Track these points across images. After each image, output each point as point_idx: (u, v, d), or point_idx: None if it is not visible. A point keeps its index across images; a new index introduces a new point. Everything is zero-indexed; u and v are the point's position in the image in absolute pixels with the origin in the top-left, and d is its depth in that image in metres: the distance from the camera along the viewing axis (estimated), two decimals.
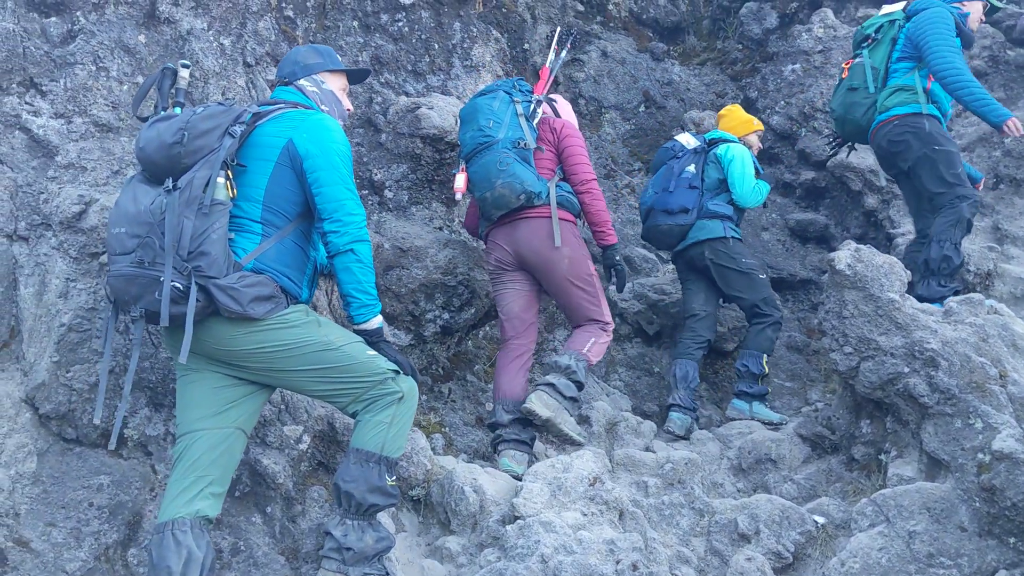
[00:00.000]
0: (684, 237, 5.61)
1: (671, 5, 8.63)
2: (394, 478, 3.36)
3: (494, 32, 6.24)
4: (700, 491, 4.13)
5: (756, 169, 5.72)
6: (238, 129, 3.21)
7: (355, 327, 3.40)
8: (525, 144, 4.56)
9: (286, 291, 3.29)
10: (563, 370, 4.49)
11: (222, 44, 4.54)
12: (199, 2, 4.50)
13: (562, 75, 8.05)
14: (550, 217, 4.55)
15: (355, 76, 3.95)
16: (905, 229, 6.19)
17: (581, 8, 8.51)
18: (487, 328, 5.71)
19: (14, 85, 4.00)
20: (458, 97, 5.60)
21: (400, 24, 5.73)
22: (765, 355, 5.30)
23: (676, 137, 6.04)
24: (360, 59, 5.53)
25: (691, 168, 5.65)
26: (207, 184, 3.08)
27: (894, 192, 6.50)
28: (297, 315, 3.29)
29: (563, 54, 5.60)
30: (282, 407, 4.02)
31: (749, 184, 5.55)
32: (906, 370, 3.90)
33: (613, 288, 5.07)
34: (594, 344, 4.58)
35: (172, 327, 3.12)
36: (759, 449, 4.55)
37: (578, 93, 8.04)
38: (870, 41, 5.40)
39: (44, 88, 4.03)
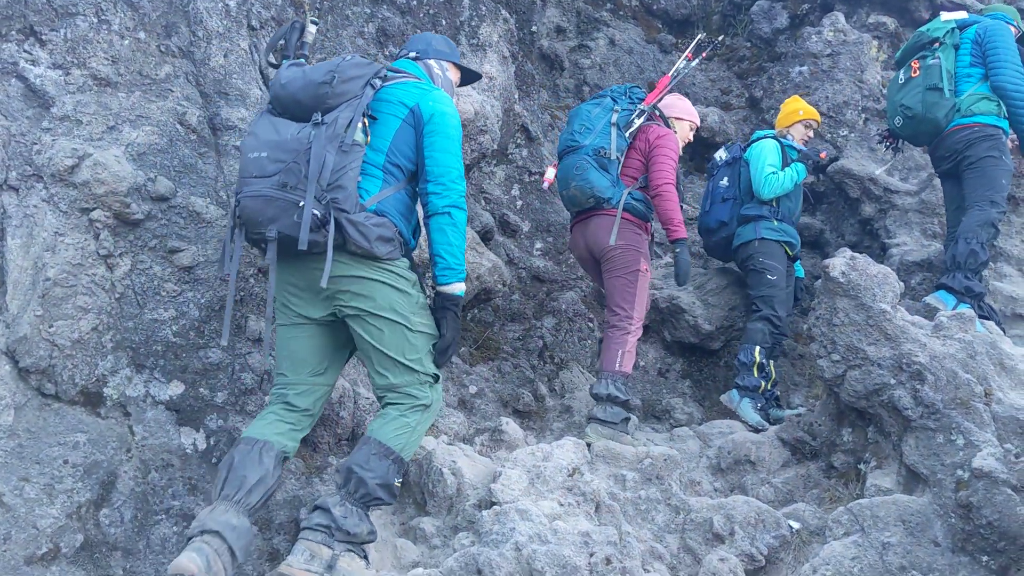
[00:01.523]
0: (730, 247, 5.96)
1: None
2: (400, 480, 3.41)
3: (503, 12, 6.18)
4: (677, 488, 4.12)
5: (794, 154, 5.86)
6: (378, 82, 3.46)
7: (438, 287, 3.53)
8: (606, 153, 5.02)
9: (403, 237, 3.49)
10: (604, 399, 4.76)
11: (227, 5, 4.47)
12: None
13: (568, 60, 8.01)
14: (614, 217, 4.98)
15: (467, 75, 4.18)
16: (900, 240, 6.19)
17: None
18: (475, 310, 5.69)
19: (13, 32, 3.92)
20: None
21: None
22: (757, 347, 5.37)
23: (715, 153, 6.35)
24: (366, 30, 5.46)
25: (724, 182, 6.01)
26: (349, 124, 3.29)
27: (892, 202, 6.50)
28: (407, 278, 3.47)
29: (694, 63, 5.78)
30: (264, 376, 4.00)
31: (760, 177, 5.73)
32: (892, 381, 3.90)
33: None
34: (622, 355, 4.84)
35: (285, 257, 3.30)
36: (739, 450, 4.54)
37: (583, 80, 8.00)
38: (938, 44, 5.55)
39: (44, 37, 3.96)
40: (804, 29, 7.72)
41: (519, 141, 6.73)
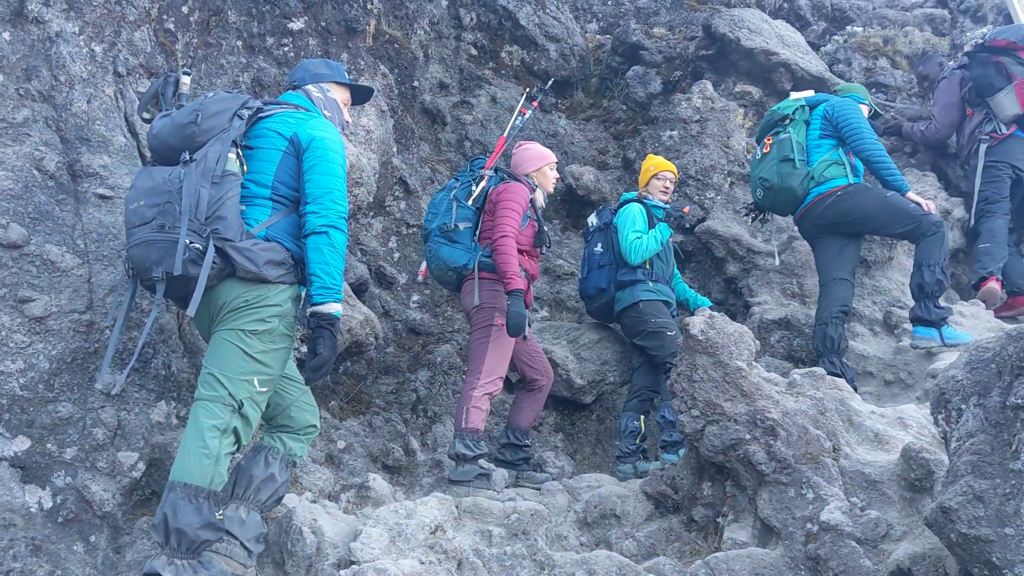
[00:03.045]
0: (612, 311, 6.08)
1: (562, 60, 8.82)
2: (221, 513, 3.31)
3: (382, 67, 6.24)
4: (543, 543, 4.13)
5: (660, 216, 6.03)
6: (246, 112, 3.57)
7: (313, 307, 3.53)
8: (448, 227, 5.25)
9: (296, 259, 3.56)
10: (455, 459, 4.89)
11: (93, 51, 4.38)
12: (72, 5, 4.34)
13: (450, 116, 8.12)
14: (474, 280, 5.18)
15: (358, 93, 4.29)
16: (762, 299, 6.45)
17: (475, 53, 8.62)
18: (347, 363, 5.62)
19: None
20: (339, 127, 5.54)
21: (286, 48, 5.67)
22: None
23: (588, 218, 6.49)
24: (241, 80, 5.42)
25: (598, 248, 6.14)
26: (219, 158, 3.39)
27: (754, 262, 6.78)
28: (286, 319, 3.54)
29: (527, 115, 5.90)
30: (117, 431, 3.84)
31: (626, 244, 5.86)
32: (747, 437, 4.03)
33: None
34: (467, 412, 4.92)
35: (191, 295, 3.33)
36: (605, 504, 4.60)
37: (464, 135, 8.11)
38: (787, 120, 5.92)
39: None
40: (675, 95, 8.04)
41: (397, 193, 6.75)
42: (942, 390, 3.31)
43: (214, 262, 3.31)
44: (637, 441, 5.64)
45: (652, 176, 6.28)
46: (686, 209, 6.15)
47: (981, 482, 2.94)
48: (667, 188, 6.33)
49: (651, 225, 5.98)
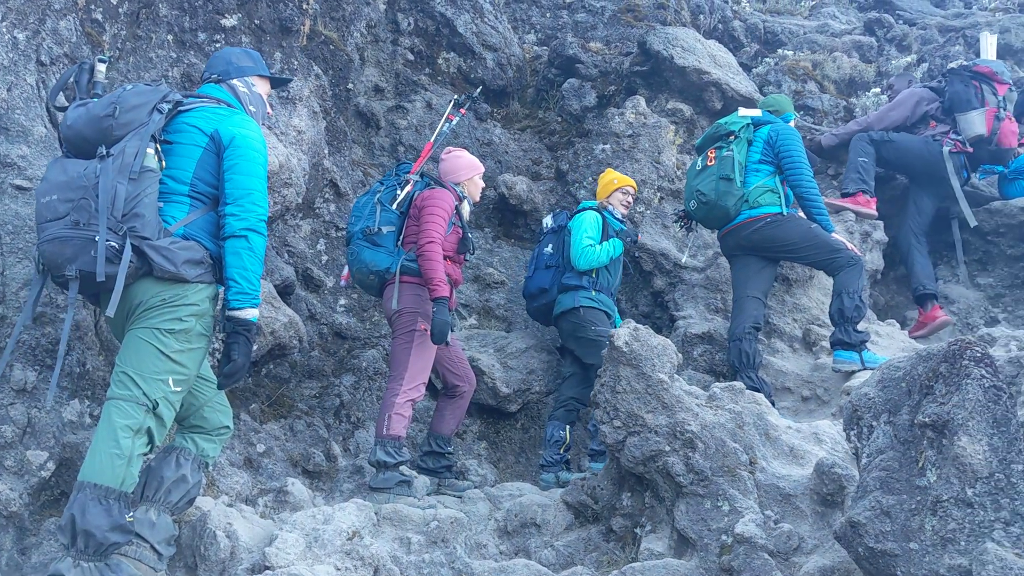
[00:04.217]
0: (551, 313, 6.10)
1: (499, 69, 8.85)
2: (131, 514, 3.24)
3: (316, 68, 6.18)
4: (462, 551, 4.13)
5: (617, 228, 6.12)
6: (165, 106, 3.45)
7: (229, 311, 3.46)
8: (371, 230, 5.19)
9: (214, 259, 3.48)
10: (376, 466, 4.85)
11: (15, 38, 4.25)
12: None
13: (384, 120, 8.07)
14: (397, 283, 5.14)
15: (277, 82, 4.21)
16: (687, 312, 6.54)
17: (411, 58, 8.59)
18: (270, 366, 5.54)
19: None
20: (270, 128, 5.47)
21: (218, 45, 5.57)
22: None
23: (543, 218, 6.56)
24: (170, 75, 5.32)
25: (549, 248, 6.20)
26: (137, 153, 3.29)
27: (680, 277, 6.88)
28: (204, 318, 3.45)
29: (455, 121, 5.87)
30: (27, 429, 3.72)
31: (577, 249, 5.93)
32: (667, 448, 4.08)
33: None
34: (389, 419, 4.88)
35: (104, 291, 3.26)
36: (526, 513, 4.61)
37: (398, 140, 8.07)
38: (732, 137, 6.03)
39: None
40: (609, 109, 8.13)
41: (327, 196, 6.68)
42: (855, 407, 3.40)
43: (131, 261, 3.22)
44: (561, 451, 5.67)
45: (616, 189, 6.38)
46: (639, 236, 6.22)
47: (888, 498, 3.02)
48: (628, 203, 6.48)
49: (604, 236, 6.04)
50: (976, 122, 6.96)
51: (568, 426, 5.77)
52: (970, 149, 6.97)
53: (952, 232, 7.27)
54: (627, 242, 6.14)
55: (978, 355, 3.04)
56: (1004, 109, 7.03)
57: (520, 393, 6.23)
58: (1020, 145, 7.36)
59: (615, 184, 6.39)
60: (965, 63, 7.37)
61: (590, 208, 6.23)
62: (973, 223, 7.05)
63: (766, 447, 4.24)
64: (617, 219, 6.27)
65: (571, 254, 5.97)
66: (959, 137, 6.99)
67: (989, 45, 8.11)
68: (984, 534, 2.82)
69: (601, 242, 6.01)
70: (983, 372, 2.99)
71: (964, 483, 2.87)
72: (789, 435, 4.32)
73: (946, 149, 6.93)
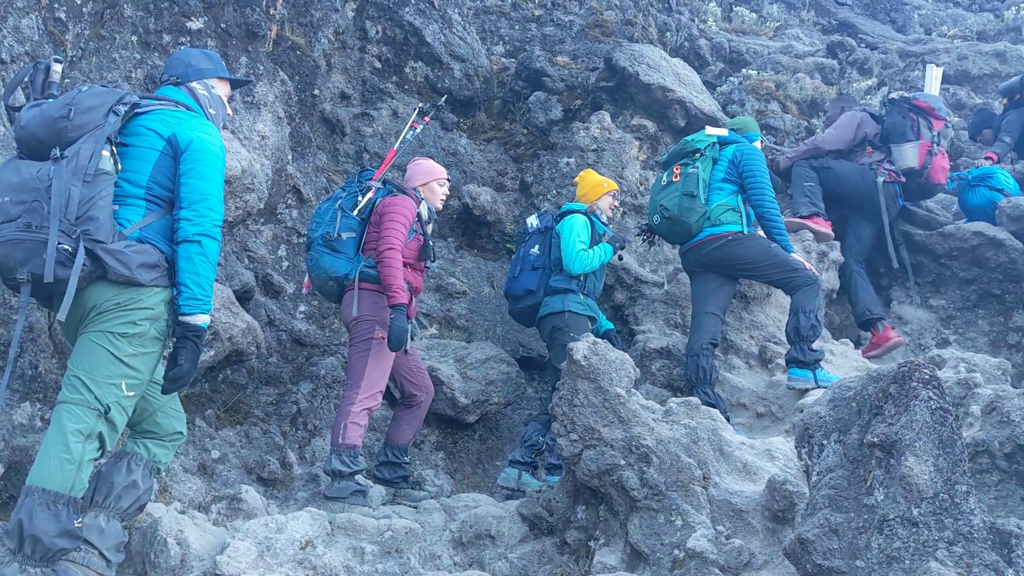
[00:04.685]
0: (535, 315, 6.06)
1: (466, 80, 8.88)
2: (80, 520, 3.20)
3: (282, 73, 6.15)
4: (416, 562, 4.12)
5: (602, 232, 6.12)
6: (122, 108, 3.43)
7: (180, 317, 3.43)
8: (331, 236, 5.18)
9: (170, 262, 3.45)
10: (331, 475, 4.83)
11: None
12: None
13: (350, 127, 8.06)
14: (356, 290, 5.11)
15: (237, 84, 4.21)
16: (646, 327, 6.59)
17: (379, 66, 8.58)
18: (227, 372, 5.49)
19: None
20: (233, 132, 5.44)
21: (183, 47, 5.52)
22: None
23: (527, 219, 6.49)
24: (133, 76, 5.27)
25: (535, 250, 6.13)
26: (92, 155, 3.26)
27: (641, 291, 6.94)
28: (158, 323, 3.42)
29: (419, 130, 5.86)
30: None
31: (571, 253, 5.90)
32: (622, 462, 4.11)
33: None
34: (345, 427, 4.86)
35: (57, 295, 3.23)
36: (481, 524, 4.61)
37: (364, 147, 8.06)
38: (698, 154, 6.10)
39: None
40: (575, 123, 8.19)
41: (290, 201, 6.65)
42: (806, 425, 3.46)
43: (84, 264, 3.20)
44: (533, 455, 5.67)
45: (606, 192, 6.36)
46: (624, 247, 6.25)
47: (837, 515, 3.07)
48: (615, 207, 6.52)
49: (593, 240, 6.05)
50: (909, 155, 7.13)
51: (548, 432, 5.74)
52: (903, 179, 7.14)
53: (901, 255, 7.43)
54: (617, 247, 6.15)
55: (926, 377, 3.11)
56: (937, 144, 7.21)
57: (479, 404, 6.23)
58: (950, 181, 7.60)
59: (604, 188, 6.37)
60: (906, 95, 7.55)
61: (577, 211, 6.21)
62: (895, 264, 7.23)
63: (720, 463, 4.29)
64: (603, 223, 6.29)
65: (564, 258, 5.93)
66: (893, 167, 7.15)
67: (934, 78, 8.30)
68: (928, 553, 2.88)
69: (590, 246, 6.02)
70: (931, 394, 3.06)
71: (910, 502, 2.93)
72: (743, 451, 4.36)
73: (880, 179, 7.09)
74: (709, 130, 6.37)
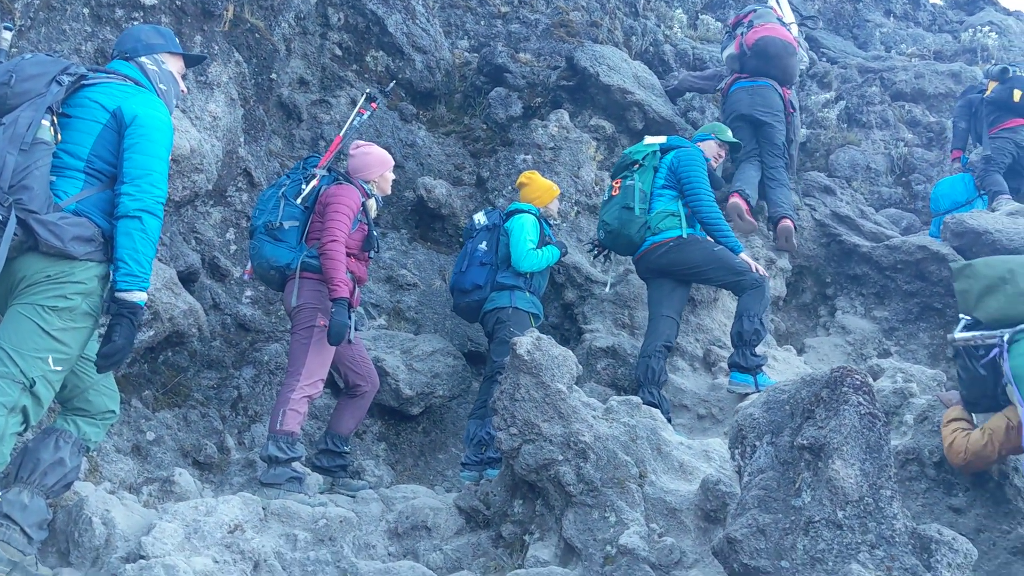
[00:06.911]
0: (480, 311, 6.08)
1: (427, 72, 8.84)
2: (2, 494, 3.17)
3: (237, 54, 6.07)
4: (350, 551, 4.09)
5: (547, 235, 6.17)
6: (66, 79, 3.37)
7: (116, 293, 3.37)
8: (273, 224, 5.11)
9: (106, 237, 3.39)
10: (268, 461, 4.77)
11: None
12: None
13: (307, 113, 7.98)
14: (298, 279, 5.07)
15: (191, 60, 4.13)
16: (594, 326, 6.62)
17: (339, 53, 8.52)
18: (167, 353, 5.41)
19: None
20: (184, 112, 5.36)
21: (136, 22, 5.44)
22: None
23: (474, 215, 6.50)
24: (83, 49, 5.17)
25: (483, 246, 6.15)
26: (31, 124, 3.21)
27: (591, 291, 6.97)
28: (91, 297, 3.36)
29: (366, 116, 5.79)
30: None
31: (521, 250, 5.95)
32: (560, 458, 4.12)
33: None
34: (284, 414, 4.81)
35: None
36: (417, 515, 4.60)
37: (320, 134, 7.98)
38: (637, 166, 6.14)
39: None
40: (534, 120, 8.20)
41: (240, 184, 6.57)
42: (740, 426, 3.49)
43: (15, 234, 3.13)
44: (483, 451, 5.65)
45: (555, 197, 6.44)
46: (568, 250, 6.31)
47: (765, 516, 3.10)
48: (560, 212, 6.55)
49: (540, 241, 6.08)
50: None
51: (486, 426, 5.74)
52: None
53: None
54: (562, 252, 6.23)
55: (858, 383, 3.15)
56: None
57: (423, 396, 6.21)
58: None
59: (554, 192, 6.44)
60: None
61: (527, 211, 6.23)
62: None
63: (657, 461, 4.31)
64: (549, 226, 6.33)
65: (513, 255, 5.97)
66: None
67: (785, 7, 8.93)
68: (851, 556, 2.92)
69: (538, 246, 6.04)
70: (860, 399, 3.10)
71: (835, 505, 2.97)
72: (680, 451, 4.40)
73: None
74: (648, 139, 6.44)
